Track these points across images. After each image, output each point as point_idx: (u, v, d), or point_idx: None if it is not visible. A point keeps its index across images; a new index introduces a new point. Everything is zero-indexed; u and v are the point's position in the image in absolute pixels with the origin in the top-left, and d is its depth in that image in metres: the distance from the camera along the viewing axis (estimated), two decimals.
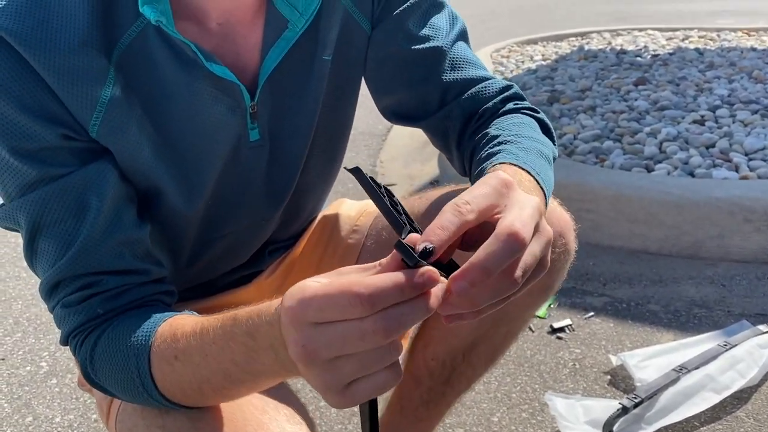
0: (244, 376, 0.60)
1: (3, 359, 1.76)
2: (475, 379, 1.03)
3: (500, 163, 0.72)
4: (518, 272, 0.52)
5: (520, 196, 0.56)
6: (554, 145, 0.86)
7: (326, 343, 0.47)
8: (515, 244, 0.51)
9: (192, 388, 0.64)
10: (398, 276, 0.46)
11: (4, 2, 0.66)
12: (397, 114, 0.93)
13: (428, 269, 0.47)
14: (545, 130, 0.87)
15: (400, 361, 0.52)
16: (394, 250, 0.48)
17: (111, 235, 0.72)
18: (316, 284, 0.48)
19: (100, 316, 0.72)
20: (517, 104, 0.88)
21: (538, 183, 0.70)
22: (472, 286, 0.49)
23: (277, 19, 0.76)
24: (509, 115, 0.86)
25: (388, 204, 0.54)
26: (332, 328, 0.47)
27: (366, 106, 0.95)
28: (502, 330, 0.96)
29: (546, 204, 0.71)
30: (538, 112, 0.89)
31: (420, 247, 0.49)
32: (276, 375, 0.58)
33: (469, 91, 0.88)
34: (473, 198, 0.54)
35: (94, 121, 0.70)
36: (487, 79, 0.90)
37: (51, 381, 1.65)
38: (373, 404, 0.54)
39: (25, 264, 2.35)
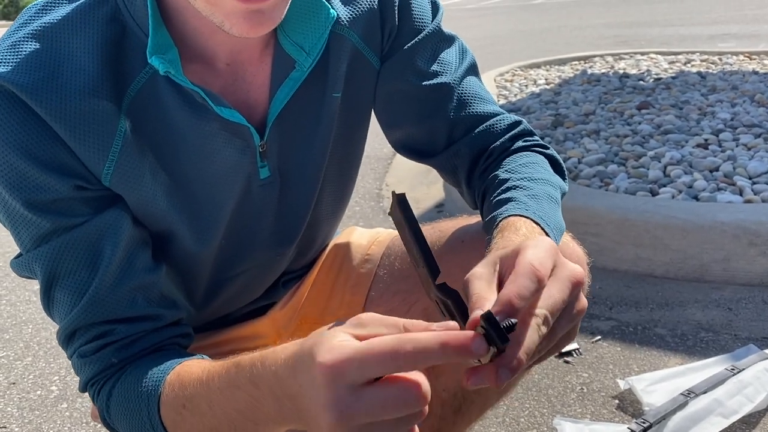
0: (248, 425, 0.59)
1: (14, 383, 1.77)
2: (486, 408, 1.03)
3: (511, 215, 0.72)
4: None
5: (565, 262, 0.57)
6: (564, 180, 0.86)
7: (366, 408, 0.45)
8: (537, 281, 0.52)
9: None
10: (446, 336, 0.45)
11: (11, 55, 0.67)
12: (407, 148, 0.94)
13: (479, 337, 0.46)
14: (555, 166, 0.87)
15: None
16: (477, 320, 0.47)
17: (122, 283, 0.72)
18: (354, 343, 0.47)
19: (114, 364, 0.73)
20: (527, 141, 0.88)
21: (547, 235, 0.70)
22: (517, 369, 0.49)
23: (284, 59, 0.77)
24: (519, 154, 0.86)
25: (428, 244, 0.53)
26: (373, 393, 0.45)
27: (372, 130, 0.96)
28: None
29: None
30: (548, 148, 0.89)
31: (505, 323, 0.48)
32: (279, 425, 0.57)
33: (477, 129, 0.88)
34: (542, 263, 0.54)
35: (107, 170, 0.71)
36: (496, 114, 0.89)
37: (61, 405, 1.66)
38: None
39: (36, 287, 2.37)
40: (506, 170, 0.82)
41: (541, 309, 0.52)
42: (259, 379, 0.55)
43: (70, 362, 0.76)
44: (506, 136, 0.88)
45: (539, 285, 0.52)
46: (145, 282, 0.74)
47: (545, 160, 0.87)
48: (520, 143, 0.88)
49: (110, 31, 0.69)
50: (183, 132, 0.74)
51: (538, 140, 0.90)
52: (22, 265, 0.75)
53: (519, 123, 0.90)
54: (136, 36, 0.70)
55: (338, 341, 0.47)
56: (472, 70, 0.92)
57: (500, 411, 1.52)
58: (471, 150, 0.88)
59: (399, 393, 0.45)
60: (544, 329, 0.52)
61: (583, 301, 0.57)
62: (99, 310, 0.72)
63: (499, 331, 0.46)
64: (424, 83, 0.87)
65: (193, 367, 0.67)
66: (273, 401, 0.54)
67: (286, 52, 0.76)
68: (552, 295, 0.53)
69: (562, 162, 0.89)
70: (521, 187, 0.78)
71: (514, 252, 0.56)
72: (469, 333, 0.46)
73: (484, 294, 0.53)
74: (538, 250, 0.55)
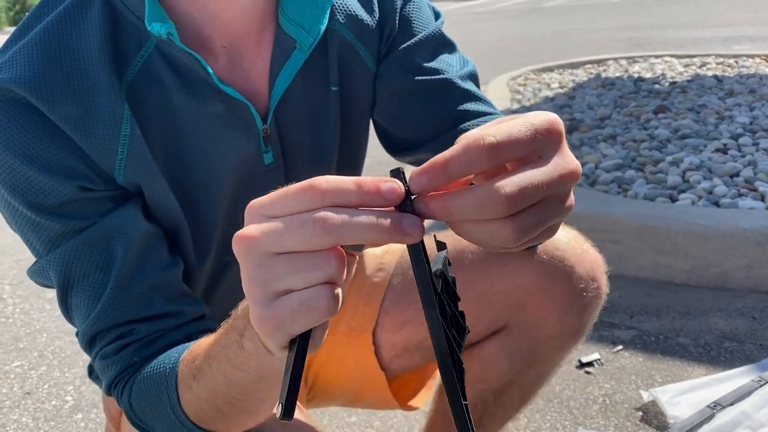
0: (239, 376, 0.57)
1: (28, 393, 1.76)
2: (506, 420, 1.01)
3: None
4: (508, 188, 0.41)
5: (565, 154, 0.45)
6: None
7: (267, 230, 0.43)
8: (475, 149, 0.41)
9: (210, 407, 0.63)
10: (362, 179, 0.42)
11: (8, 63, 0.67)
12: (406, 148, 0.90)
13: (396, 183, 0.42)
14: None
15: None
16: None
17: (138, 283, 0.71)
18: None
19: (136, 363, 0.72)
20: None
21: None
22: (430, 181, 0.42)
23: (285, 41, 0.76)
24: None
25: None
26: (279, 219, 0.43)
27: None
28: (532, 372, 0.95)
29: None
30: None
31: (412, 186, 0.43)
32: (256, 361, 0.54)
33: (483, 118, 0.85)
34: (507, 141, 0.42)
35: (120, 159, 0.70)
36: (498, 114, 0.87)
37: (77, 416, 1.65)
38: (300, 352, 0.46)
39: (49, 296, 2.36)
40: None
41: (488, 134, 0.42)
42: (244, 313, 0.54)
43: (85, 371, 0.76)
44: None
45: (479, 160, 0.42)
46: (161, 280, 0.73)
47: None
48: None
49: (103, 20, 0.69)
50: (183, 114, 0.73)
51: None
52: (37, 273, 0.74)
53: None
54: (128, 21, 0.70)
55: None
56: (473, 78, 0.90)
57: (521, 423, 1.49)
58: None
59: (296, 217, 0.42)
60: (509, 203, 0.41)
61: (572, 201, 0.46)
62: (117, 313, 0.71)
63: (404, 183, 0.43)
64: (424, 78, 0.85)
65: (205, 338, 0.64)
66: (250, 334, 0.52)
67: (286, 32, 0.76)
68: (537, 176, 0.43)
69: None
70: None
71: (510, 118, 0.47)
72: (385, 178, 0.43)
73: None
74: (529, 123, 0.43)
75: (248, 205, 0.45)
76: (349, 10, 0.82)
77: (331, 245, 0.42)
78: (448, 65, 0.87)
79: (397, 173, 0.44)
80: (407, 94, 0.86)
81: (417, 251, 0.44)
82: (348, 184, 0.42)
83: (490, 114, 0.87)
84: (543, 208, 0.44)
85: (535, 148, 0.43)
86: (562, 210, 0.45)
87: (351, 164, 0.92)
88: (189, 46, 0.72)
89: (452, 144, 0.48)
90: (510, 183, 0.42)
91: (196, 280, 0.85)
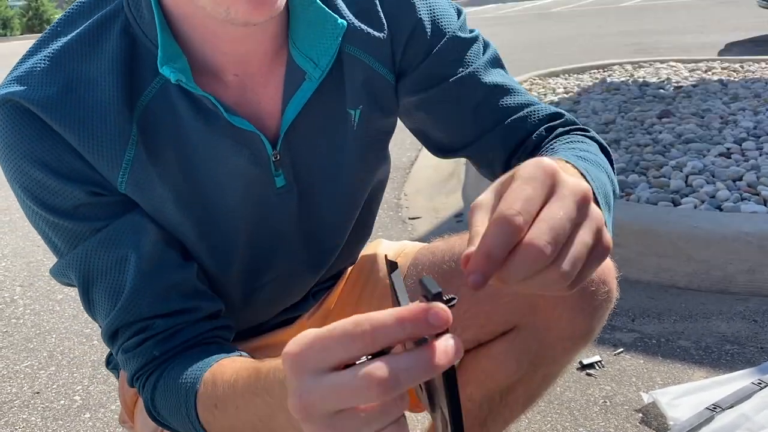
0: (271, 429, 0.59)
1: (37, 393, 1.79)
2: (511, 420, 1.02)
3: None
4: (543, 240, 0.45)
5: (569, 183, 0.48)
6: (613, 169, 0.80)
7: (321, 395, 0.42)
8: (506, 228, 0.45)
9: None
10: (402, 310, 0.42)
11: (26, 76, 0.69)
12: (442, 149, 0.92)
13: (438, 306, 0.42)
14: (603, 151, 0.82)
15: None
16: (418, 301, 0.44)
17: (155, 281, 0.74)
18: (314, 330, 0.44)
19: (157, 358, 0.75)
20: (567, 127, 0.85)
21: (584, 178, 0.64)
22: (485, 276, 0.45)
23: (296, 71, 0.78)
24: (560, 138, 0.82)
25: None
26: (330, 378, 0.42)
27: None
28: (539, 373, 0.96)
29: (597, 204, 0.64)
30: (589, 132, 0.85)
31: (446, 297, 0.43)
32: None
33: (511, 119, 0.85)
34: (524, 206, 0.46)
35: (121, 178, 0.73)
36: (529, 105, 0.86)
37: (84, 415, 1.68)
38: None
39: (59, 297, 2.39)
40: (546, 150, 0.79)
41: (539, 233, 0.46)
42: (271, 387, 0.56)
43: (93, 372, 0.79)
44: (542, 128, 0.85)
45: (513, 236, 0.46)
46: (177, 279, 0.76)
47: (591, 141, 0.82)
48: (560, 130, 0.85)
49: (122, 45, 0.71)
50: (195, 141, 0.75)
51: (580, 125, 0.86)
52: (59, 272, 0.78)
53: (559, 115, 0.86)
54: (146, 48, 0.72)
55: (306, 330, 0.45)
56: (495, 62, 0.89)
57: (522, 425, 1.51)
58: (503, 142, 0.85)
59: (352, 379, 0.41)
60: (548, 249, 0.45)
61: (596, 215, 0.49)
62: (136, 310, 0.74)
63: (431, 292, 0.43)
64: (451, 83, 0.85)
65: (227, 368, 0.67)
66: (283, 411, 0.53)
67: (297, 64, 0.77)
68: (552, 216, 0.46)
69: (609, 149, 0.84)
70: (561, 151, 0.74)
71: (509, 177, 0.51)
72: (424, 305, 0.42)
73: (480, 229, 0.48)
74: (528, 178, 0.48)
75: (287, 359, 0.44)
76: (357, 29, 0.82)
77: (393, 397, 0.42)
78: (471, 63, 0.86)
79: (434, 293, 0.43)
80: (438, 103, 0.86)
81: (453, 382, 0.43)
82: (393, 325, 0.42)
83: (528, 106, 0.86)
84: (577, 241, 0.47)
85: (545, 198, 0.47)
86: (596, 236, 0.48)
87: (371, 179, 0.93)
88: (201, 74, 0.74)
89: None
90: (537, 233, 0.45)
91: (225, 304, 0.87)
